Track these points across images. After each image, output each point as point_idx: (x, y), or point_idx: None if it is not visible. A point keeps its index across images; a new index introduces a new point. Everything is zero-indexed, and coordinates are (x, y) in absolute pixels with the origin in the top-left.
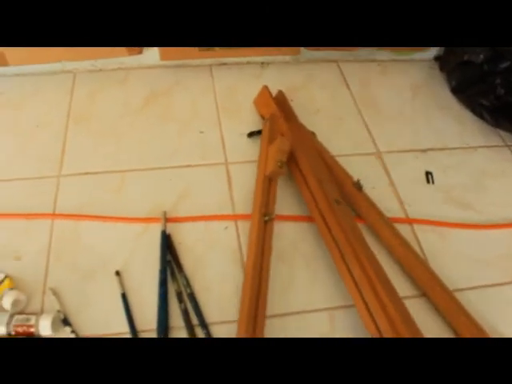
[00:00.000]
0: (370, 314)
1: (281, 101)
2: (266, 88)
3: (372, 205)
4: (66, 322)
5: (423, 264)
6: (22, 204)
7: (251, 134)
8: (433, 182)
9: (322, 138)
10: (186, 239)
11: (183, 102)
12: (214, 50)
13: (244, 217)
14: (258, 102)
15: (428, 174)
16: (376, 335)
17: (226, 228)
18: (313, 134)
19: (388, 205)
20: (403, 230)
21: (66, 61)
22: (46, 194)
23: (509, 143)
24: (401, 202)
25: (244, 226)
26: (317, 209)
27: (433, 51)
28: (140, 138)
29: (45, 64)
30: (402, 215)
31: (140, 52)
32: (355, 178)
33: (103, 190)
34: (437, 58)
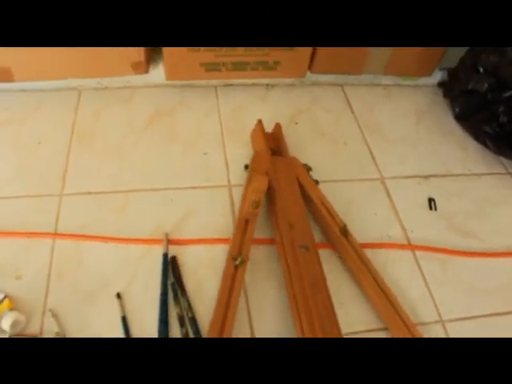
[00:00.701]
0: None
1: (276, 134)
2: (259, 123)
3: (357, 253)
4: None
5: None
6: (23, 222)
7: (247, 167)
8: (435, 209)
9: (325, 162)
10: (188, 262)
11: (188, 122)
12: (220, 71)
13: None
14: (253, 137)
15: (431, 200)
16: None
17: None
18: (307, 168)
19: (390, 230)
20: (405, 256)
21: (71, 78)
22: (47, 212)
23: (511, 171)
24: (403, 228)
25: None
26: (283, 253)
27: (437, 77)
28: (143, 158)
29: (50, 81)
30: (404, 241)
31: (146, 71)
32: (342, 223)
33: (106, 210)
34: (440, 84)
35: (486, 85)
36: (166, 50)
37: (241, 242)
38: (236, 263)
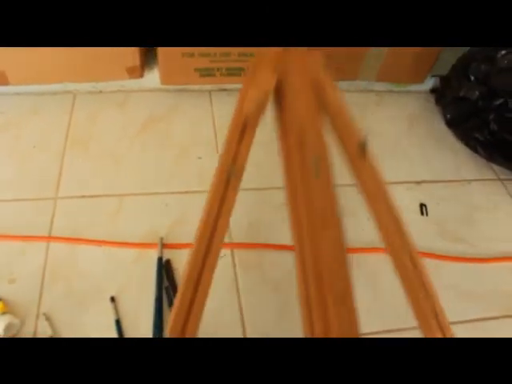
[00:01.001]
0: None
1: None
2: None
3: (375, 180)
4: None
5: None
6: (18, 225)
7: None
8: (427, 214)
9: None
10: (183, 265)
11: (182, 126)
12: (215, 76)
13: (241, 246)
14: None
15: (422, 205)
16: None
17: (223, 257)
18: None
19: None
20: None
21: (67, 82)
22: (42, 216)
23: (502, 177)
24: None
25: (241, 255)
26: (289, 179)
27: (429, 84)
28: (138, 162)
29: (45, 84)
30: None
31: (141, 75)
32: (362, 139)
33: (100, 214)
34: (433, 91)
35: (476, 92)
36: (160, 54)
37: (236, 150)
38: (228, 175)
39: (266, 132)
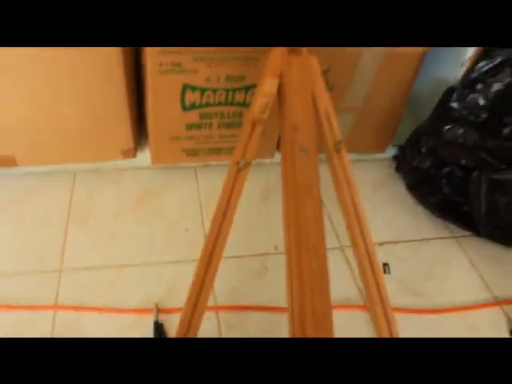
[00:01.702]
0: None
1: None
2: None
3: (344, 172)
4: None
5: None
6: (26, 296)
7: None
8: (389, 272)
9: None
10: (175, 328)
11: (171, 201)
12: (199, 155)
13: (224, 308)
14: None
15: (385, 265)
16: None
17: (208, 319)
18: (325, 70)
19: (349, 293)
20: (362, 316)
21: (68, 162)
22: (48, 286)
23: (456, 235)
24: (361, 291)
25: (224, 316)
26: (283, 157)
27: (391, 151)
28: (133, 235)
29: (49, 165)
30: (361, 303)
31: (134, 155)
32: (338, 138)
33: (100, 283)
34: (394, 158)
35: (428, 162)
36: (151, 137)
37: (245, 146)
38: (239, 166)
39: (246, 209)
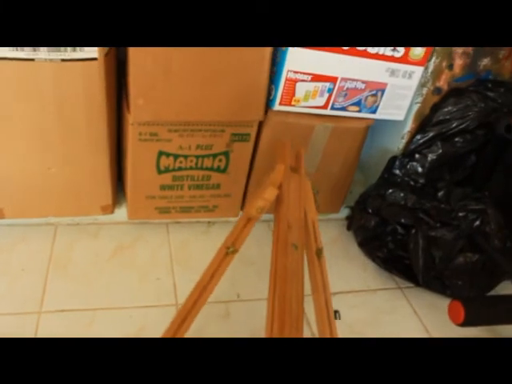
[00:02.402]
0: None
1: (298, 153)
2: (288, 143)
3: (322, 276)
4: None
5: None
6: (7, 334)
7: None
8: (339, 318)
9: (253, 284)
10: None
11: (144, 252)
12: (171, 213)
13: None
14: (278, 148)
15: (336, 312)
16: None
17: None
18: (315, 191)
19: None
20: None
21: (50, 216)
22: (28, 326)
23: (401, 286)
24: (313, 335)
25: None
26: (275, 248)
27: (344, 212)
28: (108, 282)
29: (33, 218)
30: None
31: (112, 212)
32: (320, 246)
33: (77, 325)
34: (347, 218)
35: (373, 222)
36: (129, 197)
37: (237, 235)
38: (228, 251)
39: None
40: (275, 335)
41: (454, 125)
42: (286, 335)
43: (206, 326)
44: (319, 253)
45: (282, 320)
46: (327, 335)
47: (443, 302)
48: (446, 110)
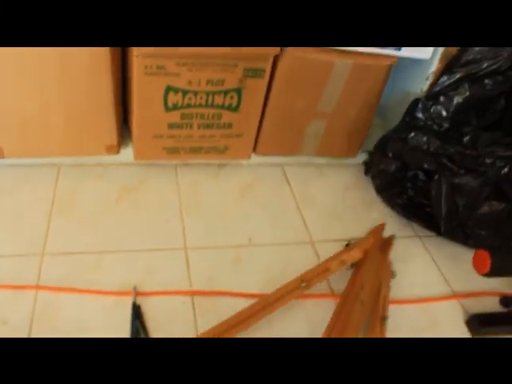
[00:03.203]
0: None
1: (388, 239)
2: (382, 226)
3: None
4: None
5: None
6: (10, 277)
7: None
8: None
9: (264, 228)
10: (151, 310)
11: (152, 195)
12: (179, 154)
13: (199, 293)
14: (375, 230)
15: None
16: None
17: (184, 303)
18: (393, 273)
19: (317, 285)
20: (330, 304)
21: (53, 156)
22: (31, 268)
23: (419, 234)
24: (329, 283)
25: (199, 301)
26: (342, 301)
27: (362, 157)
28: (114, 225)
29: (35, 158)
30: (327, 290)
31: (117, 152)
32: (386, 315)
33: (82, 268)
34: (364, 163)
35: (393, 166)
36: (135, 136)
37: (313, 275)
38: (301, 285)
39: (223, 204)
40: None
41: (484, 65)
42: None
43: (217, 272)
44: (383, 320)
45: None
46: None
47: (464, 253)
48: (476, 49)
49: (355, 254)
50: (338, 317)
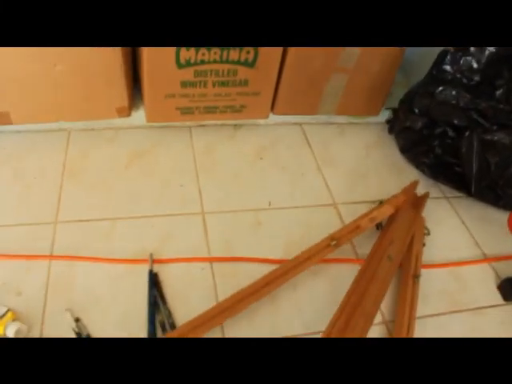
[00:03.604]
0: None
1: (422, 198)
2: (415, 183)
3: (410, 299)
4: None
5: None
6: (23, 246)
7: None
8: (381, 228)
9: (285, 191)
10: (169, 278)
11: (166, 158)
12: (194, 114)
13: (218, 259)
14: (407, 189)
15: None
16: None
17: (203, 269)
18: (427, 231)
19: (342, 248)
20: (353, 269)
21: (62, 121)
22: (44, 238)
23: (447, 195)
24: (353, 246)
25: (218, 267)
26: (369, 258)
27: (385, 115)
28: (127, 190)
29: (43, 123)
30: (352, 256)
31: (129, 114)
32: (418, 273)
33: (95, 235)
34: (388, 122)
35: (420, 123)
36: (146, 96)
37: (344, 234)
38: (331, 243)
39: (241, 166)
40: (334, 334)
41: None
42: (348, 334)
43: (235, 236)
44: (416, 277)
45: (349, 315)
46: None
47: (495, 214)
48: None
49: (386, 210)
50: (363, 274)
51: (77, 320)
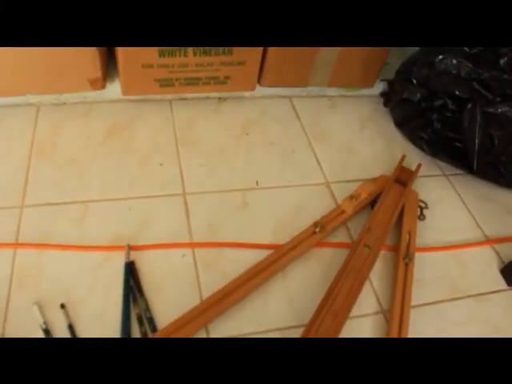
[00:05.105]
0: None
1: (412, 172)
2: (403, 158)
3: (402, 283)
4: None
5: None
6: None
7: None
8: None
9: (273, 168)
10: (146, 266)
11: (144, 134)
12: (174, 86)
13: (201, 245)
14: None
15: (373, 202)
16: None
17: (184, 256)
18: (423, 204)
19: (336, 231)
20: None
21: (30, 94)
22: (8, 223)
23: (447, 173)
24: (347, 228)
25: (201, 254)
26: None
27: (379, 87)
28: (102, 170)
29: (9, 97)
30: (348, 240)
31: (103, 87)
32: (412, 254)
33: (66, 220)
34: (382, 94)
35: (418, 95)
36: (121, 66)
37: (329, 219)
38: (316, 229)
39: (225, 143)
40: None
41: None
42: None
43: (220, 219)
44: (408, 259)
45: (316, 315)
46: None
47: (497, 193)
48: None
49: (366, 187)
50: (346, 264)
51: (62, 306)
